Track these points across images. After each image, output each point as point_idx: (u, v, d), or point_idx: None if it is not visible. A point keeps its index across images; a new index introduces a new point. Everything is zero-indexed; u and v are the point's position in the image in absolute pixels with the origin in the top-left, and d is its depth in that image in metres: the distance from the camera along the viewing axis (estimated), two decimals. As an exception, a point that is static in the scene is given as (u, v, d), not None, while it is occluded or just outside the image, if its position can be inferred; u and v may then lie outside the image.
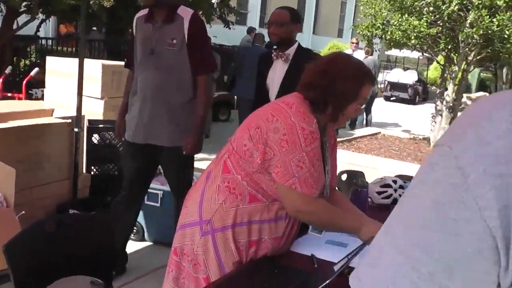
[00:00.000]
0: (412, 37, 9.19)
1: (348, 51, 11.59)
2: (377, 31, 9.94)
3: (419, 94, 21.02)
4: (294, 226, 2.28)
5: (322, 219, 2.16)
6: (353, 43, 12.15)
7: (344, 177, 4.05)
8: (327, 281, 1.69)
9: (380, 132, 10.92)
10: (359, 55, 10.88)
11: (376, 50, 12.41)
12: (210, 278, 2.16)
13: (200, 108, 3.74)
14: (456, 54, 9.21)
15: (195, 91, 3.71)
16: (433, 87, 23.79)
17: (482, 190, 0.64)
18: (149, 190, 4.64)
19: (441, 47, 9.14)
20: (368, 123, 12.12)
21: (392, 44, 10.21)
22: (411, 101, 20.22)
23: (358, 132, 10.73)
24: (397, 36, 9.37)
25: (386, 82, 20.95)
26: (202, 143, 3.79)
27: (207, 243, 2.17)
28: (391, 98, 20.32)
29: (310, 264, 2.21)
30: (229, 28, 13.55)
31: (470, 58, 9.13)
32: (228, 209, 2.15)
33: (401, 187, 3.19)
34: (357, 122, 12.04)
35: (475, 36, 8.58)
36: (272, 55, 3.80)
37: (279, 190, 2.10)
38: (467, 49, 8.99)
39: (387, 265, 0.74)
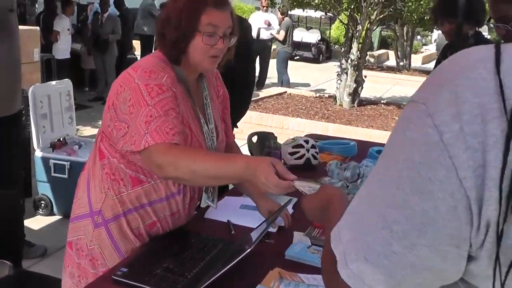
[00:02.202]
0: (316, -3, 9.28)
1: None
2: (281, -9, 9.95)
3: (322, 53, 21.31)
4: (193, 198, 2.12)
5: (190, 164, 1.71)
6: (263, 6, 11.75)
7: (254, 139, 4.06)
8: (247, 251, 1.67)
9: (286, 92, 10.99)
10: (271, 17, 10.88)
11: (278, 10, 12.42)
12: None
13: None
14: (359, 14, 9.35)
15: None
16: (336, 46, 24.20)
17: (458, 150, 0.64)
18: (55, 162, 4.50)
19: (344, 7, 9.26)
20: (284, 84, 12.13)
21: (295, 3, 10.25)
22: (315, 60, 20.49)
23: (264, 92, 10.75)
24: (301, -4, 9.43)
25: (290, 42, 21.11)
26: None
27: (101, 235, 1.97)
28: (295, 58, 20.50)
29: (227, 231, 2.19)
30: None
31: (372, 17, 9.30)
32: (115, 197, 1.94)
33: (313, 146, 3.21)
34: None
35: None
36: None
37: (141, 160, 1.84)
38: (369, 8, 9.14)
39: (364, 225, 0.74)
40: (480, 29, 3.17)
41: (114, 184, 1.94)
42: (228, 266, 1.63)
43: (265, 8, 11.62)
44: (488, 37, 3.24)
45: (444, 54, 3.35)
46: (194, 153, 1.79)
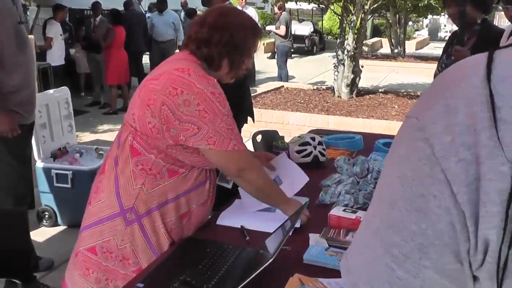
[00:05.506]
0: (309, -11, 9.22)
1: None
2: (272, -15, 9.89)
3: (316, 44, 21.27)
4: (214, 185, 2.25)
5: (260, 178, 2.14)
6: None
7: (259, 138, 4.00)
8: (269, 260, 1.61)
9: (283, 86, 10.92)
10: (250, 12, 10.70)
11: (271, 5, 12.35)
12: (143, 268, 2.00)
13: None
14: (352, 4, 9.29)
15: None
16: (329, 37, 24.15)
17: (450, 163, 0.59)
18: (57, 172, 4.44)
19: (337, -2, 9.22)
20: (283, 78, 12.06)
21: (289, -3, 10.21)
22: (309, 52, 20.44)
23: (262, 87, 10.69)
24: (294, -11, 9.38)
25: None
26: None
27: (133, 232, 2.02)
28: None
29: (241, 237, 2.14)
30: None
31: (366, 7, 9.24)
32: (150, 191, 2.01)
33: (320, 143, 3.16)
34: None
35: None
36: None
37: (218, 158, 2.02)
38: (363, -2, 9.10)
39: (368, 251, 0.69)
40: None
41: (149, 178, 2.01)
42: (250, 278, 1.58)
43: (243, 3, 11.40)
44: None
45: (451, 41, 3.29)
46: (266, 176, 2.24)
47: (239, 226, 2.22)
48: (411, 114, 0.66)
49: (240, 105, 3.64)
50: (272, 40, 14.03)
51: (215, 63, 2.08)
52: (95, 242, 2.05)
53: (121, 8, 10.47)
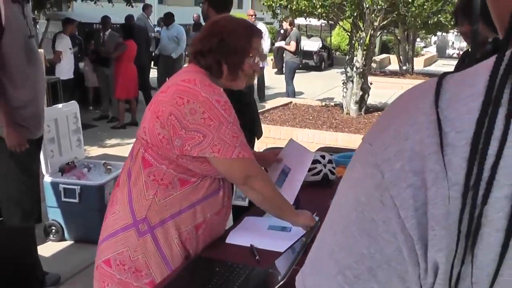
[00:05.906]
0: (318, 6, 9.19)
1: None
2: (281, 1, 9.87)
3: (324, 60, 21.28)
4: (229, 195, 2.26)
5: (267, 186, 2.12)
6: (250, 15, 11.61)
7: (268, 155, 3.96)
8: (281, 283, 1.59)
9: (291, 102, 10.90)
10: (261, 27, 10.67)
11: (284, 21, 12.38)
12: (156, 281, 2.03)
13: None
14: (362, 21, 9.28)
15: None
16: (337, 53, 24.18)
17: (399, 189, 0.60)
18: (65, 186, 4.43)
19: (347, 14, 9.19)
20: (290, 94, 12.07)
21: (297, 13, 10.19)
22: (317, 68, 20.46)
23: (270, 103, 10.67)
24: (303, 6, 9.35)
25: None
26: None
27: (146, 243, 2.05)
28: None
29: (251, 256, 2.12)
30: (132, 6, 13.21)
31: (376, 24, 9.23)
32: (162, 201, 2.04)
33: (330, 161, 3.15)
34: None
35: (380, 1, 8.67)
36: None
37: (223, 166, 2.03)
38: (373, 15, 9.07)
39: (322, 270, 0.70)
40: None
41: (161, 188, 2.04)
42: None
43: (252, 18, 11.43)
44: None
45: (462, 60, 3.28)
46: (274, 186, 2.24)
47: (249, 245, 2.20)
48: (365, 139, 0.68)
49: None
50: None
51: (214, 70, 2.12)
52: (110, 254, 2.09)
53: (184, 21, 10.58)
